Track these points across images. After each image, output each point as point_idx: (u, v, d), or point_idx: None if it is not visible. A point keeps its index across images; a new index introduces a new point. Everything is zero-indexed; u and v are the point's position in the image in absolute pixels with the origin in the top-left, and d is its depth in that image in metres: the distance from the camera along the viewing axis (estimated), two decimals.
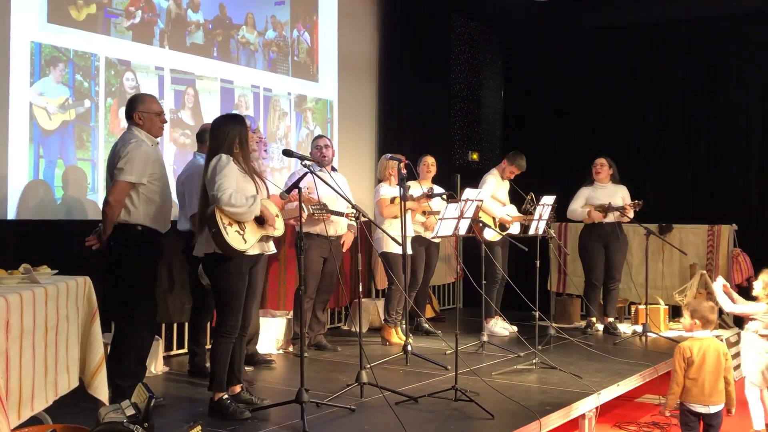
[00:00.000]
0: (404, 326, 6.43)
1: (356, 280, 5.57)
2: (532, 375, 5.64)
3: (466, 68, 10.55)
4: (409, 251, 6.53)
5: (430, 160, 7.16)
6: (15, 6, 5.48)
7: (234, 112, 6.86)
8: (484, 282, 6.40)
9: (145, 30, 6.41)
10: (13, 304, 3.16)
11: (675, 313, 8.26)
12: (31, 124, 5.57)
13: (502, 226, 7.29)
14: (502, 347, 6.56)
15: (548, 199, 6.43)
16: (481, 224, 6.79)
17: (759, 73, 9.59)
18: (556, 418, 4.62)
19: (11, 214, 5.44)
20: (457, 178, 9.96)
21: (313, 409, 4.53)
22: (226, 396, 4.43)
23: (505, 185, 7.48)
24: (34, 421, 3.56)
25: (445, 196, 6.62)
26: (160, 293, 5.57)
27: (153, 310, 4.75)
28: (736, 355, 6.03)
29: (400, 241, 5.62)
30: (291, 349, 6.56)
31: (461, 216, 5.14)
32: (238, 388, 4.60)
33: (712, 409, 4.56)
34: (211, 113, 6.69)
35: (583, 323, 7.96)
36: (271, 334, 6.47)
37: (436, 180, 7.22)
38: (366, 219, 5.48)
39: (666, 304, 7.98)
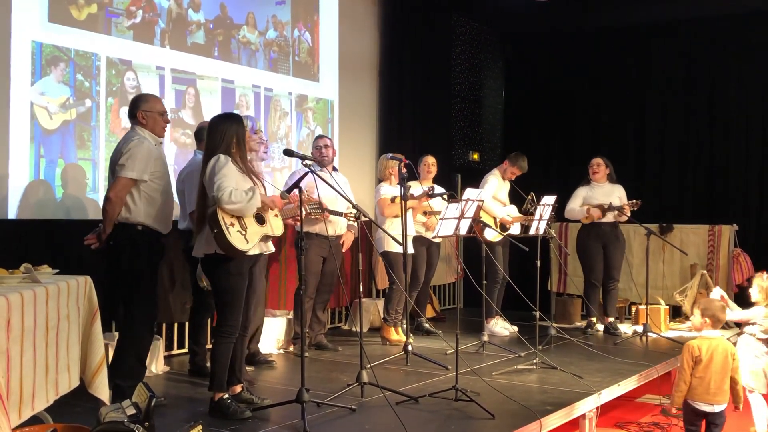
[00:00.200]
0: (405, 326, 6.43)
1: (357, 280, 5.57)
2: (532, 375, 5.64)
3: (467, 68, 10.55)
4: (411, 251, 6.53)
5: (430, 160, 7.16)
6: (16, 5, 5.48)
7: (234, 111, 6.86)
8: (484, 282, 6.39)
9: (146, 30, 6.41)
10: (14, 303, 3.16)
11: (675, 313, 8.26)
12: (32, 124, 5.58)
13: (503, 227, 7.29)
14: (503, 347, 6.55)
15: (549, 199, 6.44)
16: (481, 224, 6.79)
17: (759, 73, 9.60)
18: (557, 418, 4.61)
19: (12, 214, 5.44)
20: (457, 178, 9.96)
21: (314, 408, 4.53)
22: (226, 396, 4.43)
23: (506, 186, 7.49)
24: (34, 420, 3.56)
25: (445, 196, 6.61)
26: (161, 293, 5.57)
27: (153, 310, 4.74)
28: None
29: (401, 241, 5.62)
30: (291, 348, 6.56)
31: (462, 216, 5.14)
32: (238, 388, 4.60)
33: (717, 409, 4.58)
34: (211, 113, 6.67)
35: (583, 323, 7.96)
36: (271, 333, 6.47)
37: (436, 180, 7.22)
38: (367, 219, 5.48)
39: (666, 305, 7.98)
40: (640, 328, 7.38)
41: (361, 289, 5.56)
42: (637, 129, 10.41)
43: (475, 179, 7.98)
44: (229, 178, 4.26)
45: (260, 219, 4.44)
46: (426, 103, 9.53)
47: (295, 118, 7.90)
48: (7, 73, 5.43)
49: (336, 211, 6.11)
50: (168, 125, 4.90)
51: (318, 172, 5.23)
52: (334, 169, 6.64)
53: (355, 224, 6.27)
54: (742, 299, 6.03)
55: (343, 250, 6.60)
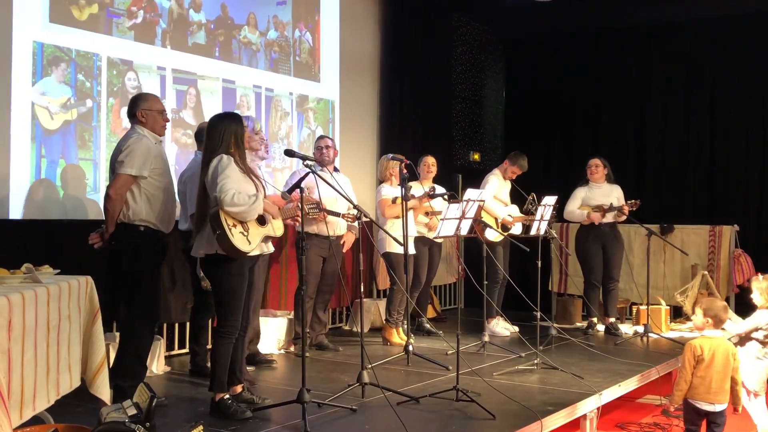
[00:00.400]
0: (406, 326, 6.43)
1: (358, 280, 5.57)
2: (533, 375, 5.64)
3: (468, 68, 10.55)
4: (413, 251, 6.53)
5: (430, 161, 7.15)
6: (17, 6, 5.49)
7: (235, 111, 6.86)
8: (485, 282, 6.40)
9: (147, 30, 6.41)
10: (15, 303, 3.16)
11: (676, 313, 8.26)
12: (33, 124, 5.58)
13: (504, 227, 7.29)
14: (504, 347, 6.55)
15: (550, 200, 6.44)
16: (482, 224, 6.79)
17: (759, 73, 9.61)
18: (558, 419, 4.61)
19: (13, 214, 5.44)
20: (458, 178, 9.96)
21: (315, 409, 4.53)
22: (227, 396, 4.43)
23: (507, 185, 7.49)
24: (35, 420, 3.57)
25: (446, 197, 6.62)
26: (162, 293, 5.56)
27: (154, 310, 4.73)
28: None
29: (402, 242, 5.62)
30: (292, 349, 6.56)
31: (463, 216, 5.14)
32: (239, 388, 4.61)
33: (718, 408, 4.59)
34: (212, 113, 6.61)
35: (584, 324, 7.96)
36: (272, 334, 6.47)
37: (437, 180, 7.22)
38: (367, 219, 5.47)
39: (667, 305, 7.98)
40: (640, 329, 7.38)
41: (362, 290, 5.56)
42: (638, 129, 10.41)
43: (475, 179, 7.98)
44: (232, 180, 4.25)
45: (261, 220, 4.44)
46: (427, 104, 9.53)
47: (296, 118, 7.90)
48: (8, 73, 5.43)
49: (334, 211, 6.11)
50: (168, 124, 4.90)
51: (319, 173, 5.23)
52: (336, 169, 6.64)
53: (356, 225, 6.27)
54: (744, 300, 6.02)
55: (344, 251, 6.60)
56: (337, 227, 6.37)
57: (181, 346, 6.25)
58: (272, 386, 5.26)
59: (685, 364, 4.60)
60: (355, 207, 5.28)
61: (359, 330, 5.60)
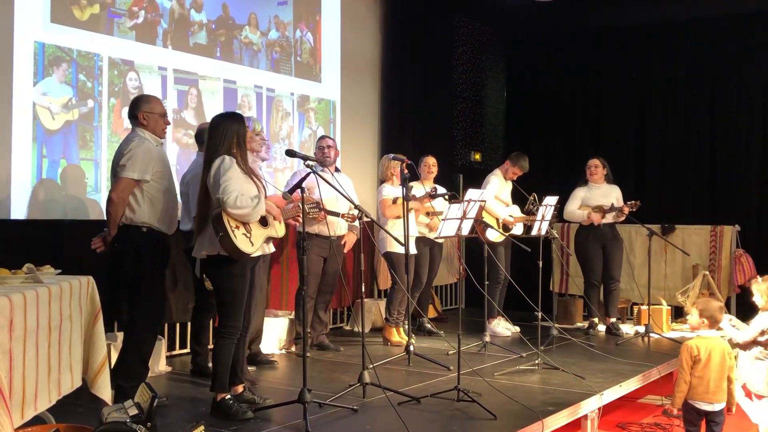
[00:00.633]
0: (407, 326, 6.43)
1: (359, 280, 5.57)
2: (534, 375, 5.64)
3: (469, 68, 10.56)
4: (414, 251, 6.53)
5: (431, 161, 7.15)
6: (18, 6, 5.49)
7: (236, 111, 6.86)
8: (486, 282, 6.40)
9: (148, 30, 6.41)
10: (16, 303, 3.16)
11: (677, 313, 8.25)
12: (34, 124, 5.58)
13: (506, 227, 7.29)
14: (505, 348, 6.55)
15: (551, 200, 6.44)
16: (483, 225, 6.79)
17: (759, 73, 9.61)
18: (559, 419, 4.61)
19: (14, 214, 5.44)
20: (459, 178, 9.96)
21: (316, 409, 4.53)
22: (228, 396, 4.43)
23: (508, 186, 7.49)
24: (37, 420, 3.57)
25: (447, 197, 6.62)
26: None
27: (156, 312, 4.73)
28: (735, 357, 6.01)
29: (403, 242, 5.62)
30: (293, 349, 6.56)
31: (464, 216, 5.14)
32: (240, 388, 4.61)
33: (717, 407, 4.60)
34: (214, 113, 6.63)
35: (585, 324, 7.96)
36: (273, 334, 6.47)
37: (438, 180, 7.22)
38: (368, 219, 5.47)
39: (668, 305, 7.98)
40: (642, 329, 7.38)
41: (363, 290, 5.56)
42: (638, 129, 10.41)
43: (476, 179, 7.98)
44: (235, 181, 4.25)
45: (263, 221, 4.44)
46: (427, 104, 9.54)
47: (297, 118, 7.90)
48: (9, 74, 5.43)
49: (334, 211, 6.11)
50: (169, 126, 4.90)
51: (320, 173, 5.23)
52: (337, 169, 6.64)
53: (357, 225, 6.27)
54: (745, 300, 6.02)
55: (345, 251, 6.60)
56: (338, 227, 6.37)
57: (183, 346, 6.25)
58: (273, 386, 5.26)
59: (683, 365, 4.61)
60: (356, 207, 5.28)
61: (360, 330, 5.59)
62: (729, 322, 5.25)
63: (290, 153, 4.76)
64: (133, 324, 4.61)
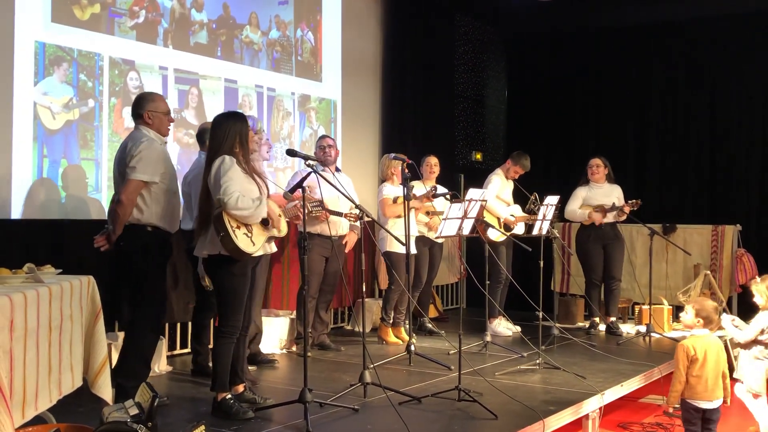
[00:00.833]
0: (407, 326, 6.43)
1: (359, 280, 5.57)
2: (535, 375, 5.63)
3: (470, 68, 10.55)
4: (413, 251, 6.53)
5: (433, 161, 7.15)
6: (19, 5, 5.49)
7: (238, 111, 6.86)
8: (487, 282, 6.39)
9: (149, 30, 6.41)
10: (17, 303, 3.16)
11: (679, 313, 8.24)
12: (35, 124, 5.58)
13: (507, 227, 7.29)
14: (506, 347, 6.55)
15: (552, 199, 6.43)
16: (485, 224, 6.78)
17: (760, 72, 9.60)
18: (560, 419, 4.61)
19: (15, 214, 5.44)
20: (460, 178, 9.96)
21: (317, 408, 4.52)
22: (229, 396, 4.43)
23: (510, 185, 7.49)
24: (38, 420, 3.56)
25: (448, 196, 6.61)
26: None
27: (161, 311, 4.74)
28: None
29: (404, 241, 5.61)
30: (294, 348, 6.56)
31: (465, 216, 5.14)
32: (241, 388, 4.60)
33: (715, 404, 4.65)
34: (214, 113, 6.63)
35: (586, 323, 7.95)
36: (274, 333, 6.47)
37: (439, 180, 7.21)
38: (369, 219, 5.47)
39: (670, 305, 7.97)
40: (643, 328, 7.37)
41: (364, 289, 5.56)
42: (638, 129, 10.40)
43: (478, 179, 7.97)
44: (235, 182, 4.24)
45: (265, 220, 4.44)
46: (429, 103, 9.53)
47: (298, 118, 7.90)
48: (10, 73, 5.43)
49: (336, 211, 6.10)
50: (170, 125, 4.90)
51: (320, 172, 5.22)
52: (337, 169, 6.63)
53: (358, 224, 6.27)
54: (746, 300, 6.01)
55: (347, 251, 6.60)
56: (340, 227, 6.37)
57: (183, 345, 6.25)
58: (274, 386, 5.26)
59: (678, 365, 4.65)
60: (357, 207, 5.28)
61: (361, 330, 5.59)
62: (732, 322, 5.27)
63: (291, 152, 4.76)
64: (136, 323, 4.61)
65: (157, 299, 4.67)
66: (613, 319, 7.59)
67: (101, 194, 5.98)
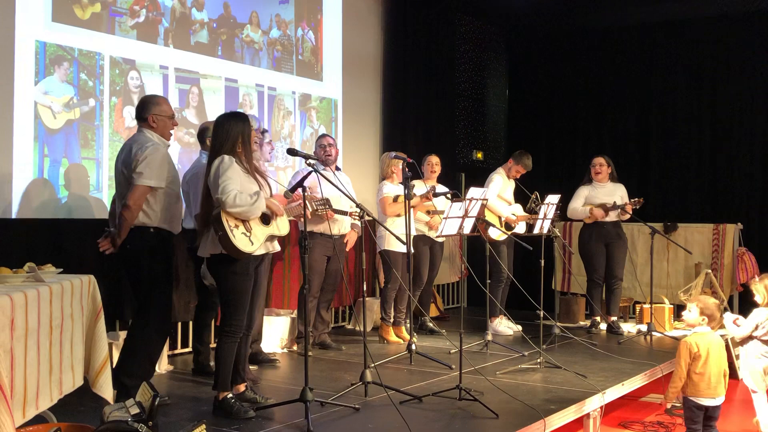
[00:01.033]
0: (408, 325, 6.43)
1: (360, 278, 5.56)
2: (536, 374, 5.63)
3: (471, 67, 10.55)
4: (412, 250, 6.52)
5: (434, 160, 7.15)
6: (19, 5, 5.49)
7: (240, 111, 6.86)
8: (488, 281, 6.39)
9: (150, 29, 6.41)
10: (17, 302, 3.16)
11: (680, 312, 8.24)
12: (35, 123, 5.58)
13: (508, 226, 7.28)
14: (507, 346, 6.55)
15: (553, 198, 6.43)
16: (486, 223, 6.78)
17: (761, 72, 9.60)
18: (561, 418, 4.61)
19: (16, 213, 5.44)
20: (461, 177, 9.96)
21: (318, 408, 4.53)
22: (230, 395, 4.43)
23: (511, 184, 7.49)
24: (38, 419, 3.57)
25: (449, 195, 6.61)
26: None
27: (167, 311, 4.74)
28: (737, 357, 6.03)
29: (404, 240, 5.61)
30: (295, 347, 6.56)
31: (466, 215, 5.13)
32: (242, 387, 4.61)
33: (717, 401, 4.68)
34: (215, 112, 6.69)
35: (587, 322, 7.95)
36: (275, 333, 6.47)
37: (440, 179, 7.21)
38: (370, 218, 5.47)
39: (671, 303, 7.97)
40: (644, 327, 7.37)
41: (365, 288, 5.56)
42: (639, 128, 10.41)
43: (479, 178, 7.97)
44: (234, 181, 4.24)
45: (266, 219, 4.43)
46: (430, 102, 9.52)
47: (299, 117, 7.90)
48: (10, 73, 5.43)
49: (341, 210, 6.11)
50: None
51: (321, 172, 5.22)
52: (337, 168, 6.63)
53: (359, 223, 6.27)
54: (747, 299, 6.01)
55: (347, 249, 6.60)
56: (342, 226, 6.37)
57: (185, 345, 6.25)
58: (275, 385, 5.26)
59: (680, 361, 4.68)
60: (357, 206, 5.28)
61: (362, 329, 5.59)
62: (735, 321, 5.28)
63: (292, 152, 4.76)
64: (145, 324, 4.60)
65: (165, 299, 4.67)
66: (613, 318, 7.59)
67: (102, 193, 5.98)
